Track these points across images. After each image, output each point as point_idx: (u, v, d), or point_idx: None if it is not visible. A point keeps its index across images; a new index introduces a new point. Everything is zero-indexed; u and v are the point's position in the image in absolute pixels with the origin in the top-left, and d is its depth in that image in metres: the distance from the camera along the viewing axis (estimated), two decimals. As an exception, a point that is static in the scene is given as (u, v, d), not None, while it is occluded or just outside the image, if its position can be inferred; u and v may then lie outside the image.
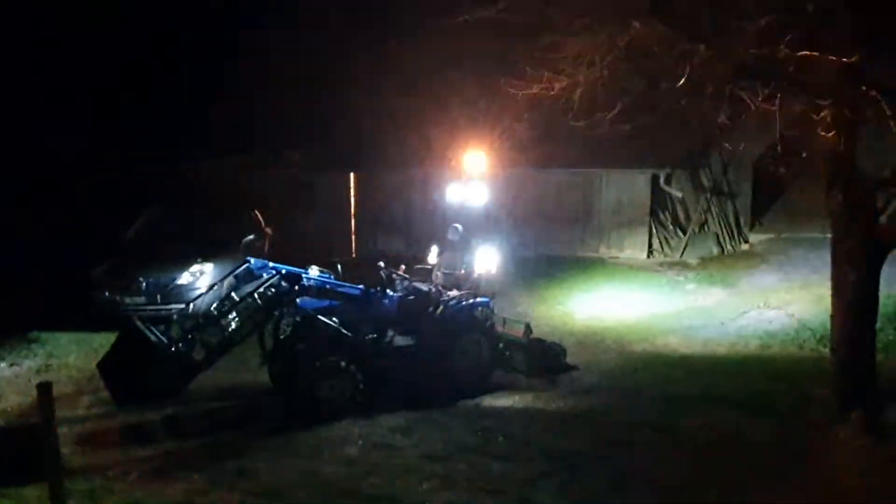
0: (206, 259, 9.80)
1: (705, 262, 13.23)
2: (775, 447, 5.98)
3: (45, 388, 4.55)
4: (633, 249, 13.64)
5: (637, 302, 11.24)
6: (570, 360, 8.37)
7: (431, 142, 13.02)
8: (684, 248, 13.65)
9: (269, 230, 11.97)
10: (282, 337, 7.06)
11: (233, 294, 6.76)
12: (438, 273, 7.92)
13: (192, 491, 5.21)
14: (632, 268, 13.01)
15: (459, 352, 7.45)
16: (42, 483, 5.22)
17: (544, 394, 7.47)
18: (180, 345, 6.23)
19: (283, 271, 6.71)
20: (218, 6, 14.12)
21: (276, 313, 6.80)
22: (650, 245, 13.65)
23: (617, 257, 13.58)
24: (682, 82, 8.34)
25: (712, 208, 13.92)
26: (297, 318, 6.95)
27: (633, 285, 12.07)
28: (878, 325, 6.56)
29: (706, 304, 11.08)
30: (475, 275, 7.80)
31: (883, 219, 6.24)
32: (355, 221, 14.63)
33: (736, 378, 7.89)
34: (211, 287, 7.22)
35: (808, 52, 6.40)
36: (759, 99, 8.11)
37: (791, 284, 11.37)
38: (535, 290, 11.77)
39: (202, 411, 6.93)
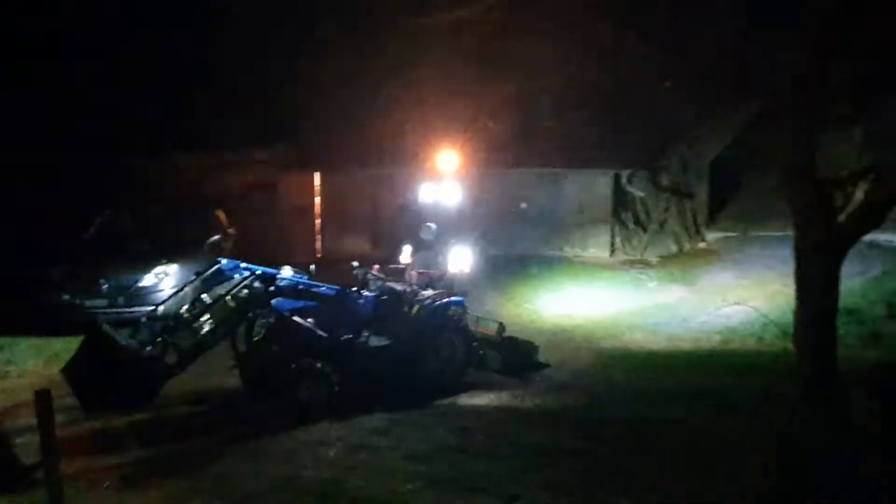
0: (170, 260, 9.56)
1: (665, 260, 13.59)
2: (743, 439, 6.18)
3: (43, 397, 4.34)
4: (597, 248, 13.90)
5: (602, 299, 11.47)
6: (541, 357, 8.48)
7: (399, 141, 12.99)
8: (645, 247, 13.99)
9: (232, 231, 11.76)
10: (255, 339, 6.93)
11: (204, 296, 6.62)
12: (412, 273, 7.90)
13: (170, 498, 5.07)
14: (595, 266, 13.26)
15: (434, 351, 7.45)
16: (10, 495, 5.04)
17: (519, 392, 7.54)
18: (150, 349, 6.05)
19: (258, 272, 6.59)
20: (183, 2, 13.77)
21: (251, 315, 6.67)
22: (613, 244, 13.94)
23: (580, 256, 13.81)
24: (648, 84, 8.59)
25: (671, 208, 14.30)
26: (272, 320, 6.84)
27: (597, 283, 12.30)
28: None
29: (668, 301, 11.39)
30: (449, 274, 7.81)
31: (842, 217, 6.53)
32: (320, 221, 14.46)
33: (702, 372, 8.14)
34: (181, 288, 7.04)
35: (771, 57, 6.67)
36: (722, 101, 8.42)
37: (748, 281, 11.79)
38: (502, 288, 11.87)
39: (172, 417, 6.76)
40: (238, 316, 6.50)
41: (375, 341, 7.27)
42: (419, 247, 8.05)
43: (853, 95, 6.93)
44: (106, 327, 6.14)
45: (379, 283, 7.61)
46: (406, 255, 8.16)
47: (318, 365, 6.65)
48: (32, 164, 12.34)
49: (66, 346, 8.62)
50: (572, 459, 5.74)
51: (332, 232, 14.43)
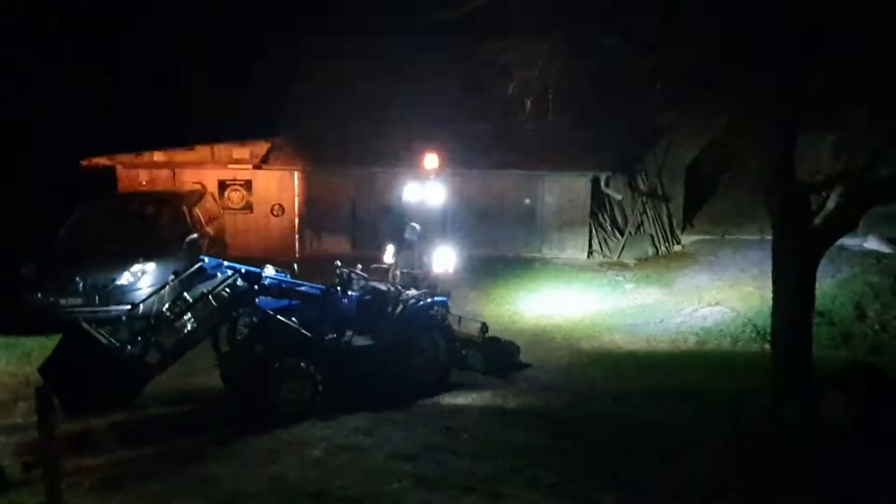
0: (147, 258, 9.38)
1: (642, 262, 13.78)
2: (721, 437, 6.31)
3: (45, 395, 4.24)
4: (574, 250, 14.04)
5: (581, 301, 11.59)
6: (523, 357, 8.53)
7: (380, 141, 12.97)
8: (622, 249, 14.18)
9: (209, 229, 11.62)
10: (239, 338, 6.85)
11: (185, 294, 6.52)
12: (396, 272, 7.89)
13: (153, 499, 5.00)
14: (573, 268, 13.38)
15: (418, 351, 7.45)
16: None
17: (501, 391, 7.59)
18: (132, 348, 5.94)
19: (243, 270, 6.51)
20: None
21: (235, 314, 6.59)
22: (590, 246, 14.09)
23: (558, 258, 13.93)
24: (628, 88, 8.72)
25: (647, 211, 14.51)
26: (255, 319, 6.76)
27: (575, 285, 12.42)
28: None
29: (645, 303, 11.55)
30: (433, 274, 7.82)
31: (818, 220, 6.72)
32: (298, 221, 14.35)
33: (679, 372, 8.28)
34: (162, 287, 6.92)
35: (750, 62, 6.82)
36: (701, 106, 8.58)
37: (722, 283, 12.01)
38: (483, 289, 11.92)
39: (151, 417, 6.65)
40: (221, 315, 6.41)
41: (359, 341, 7.24)
42: (403, 247, 8.04)
43: (825, 102, 7.11)
44: (86, 326, 6.00)
45: (362, 282, 7.58)
46: (389, 254, 8.15)
47: (302, 364, 6.60)
48: (8, 162, 12.04)
49: (38, 345, 8.43)
50: (557, 458, 5.80)
51: (311, 231, 14.33)
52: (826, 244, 6.73)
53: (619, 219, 14.40)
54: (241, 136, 14.08)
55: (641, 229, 14.46)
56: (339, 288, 7.16)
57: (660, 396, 7.33)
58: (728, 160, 12.20)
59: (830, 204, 7.12)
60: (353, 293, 7.36)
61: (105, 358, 5.64)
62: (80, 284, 9.00)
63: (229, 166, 14.21)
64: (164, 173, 13.91)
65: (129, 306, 8.25)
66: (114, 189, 13.22)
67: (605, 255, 14.05)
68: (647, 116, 10.49)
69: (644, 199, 14.48)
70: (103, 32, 13.57)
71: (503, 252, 13.69)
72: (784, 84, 6.48)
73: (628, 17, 7.37)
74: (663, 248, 14.42)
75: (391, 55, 13.72)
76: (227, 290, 6.39)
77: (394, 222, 8.28)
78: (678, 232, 14.70)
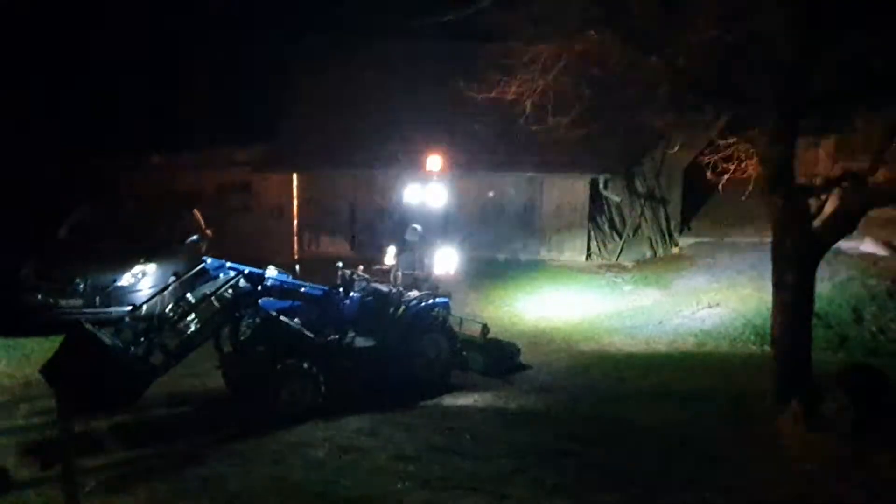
0: (147, 260, 9.38)
1: (640, 264, 13.83)
2: (722, 438, 6.35)
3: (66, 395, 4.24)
4: (573, 252, 14.09)
5: (580, 303, 11.63)
6: (523, 359, 8.56)
7: (379, 143, 12.99)
8: (620, 251, 14.23)
9: (208, 231, 11.62)
10: (241, 339, 6.85)
11: (188, 295, 6.53)
12: (398, 274, 7.91)
13: (157, 500, 4.99)
14: (572, 270, 13.43)
15: (419, 352, 7.47)
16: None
17: (503, 393, 7.61)
18: (135, 349, 5.95)
19: (246, 271, 6.52)
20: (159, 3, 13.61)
21: (237, 315, 6.60)
22: (588, 248, 14.14)
23: (557, 260, 13.98)
24: (630, 90, 8.75)
25: (646, 213, 14.57)
26: (258, 320, 6.77)
27: (574, 287, 12.47)
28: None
29: (644, 305, 11.59)
30: (434, 276, 7.85)
31: (817, 222, 6.77)
32: (297, 223, 14.36)
33: (679, 374, 8.31)
34: (164, 288, 6.93)
35: (752, 64, 6.88)
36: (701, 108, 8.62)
37: (719, 285, 12.05)
38: (482, 291, 11.95)
39: (153, 419, 6.65)
40: (224, 316, 6.42)
41: (361, 342, 7.26)
42: (404, 248, 8.06)
43: (824, 105, 7.18)
44: (89, 326, 6.01)
45: (364, 283, 7.60)
46: (391, 256, 8.17)
47: (305, 365, 6.61)
48: (6, 162, 12.02)
49: (38, 347, 8.42)
50: (560, 459, 5.83)
51: (310, 233, 14.34)
52: (826, 247, 6.77)
53: (618, 221, 14.46)
54: (240, 138, 14.09)
55: (639, 232, 14.52)
56: (340, 289, 7.18)
57: (660, 398, 7.37)
58: (727, 162, 12.29)
59: (829, 207, 7.17)
60: (355, 294, 7.38)
61: (109, 359, 5.65)
62: (81, 285, 8.99)
63: (230, 169, 14.21)
64: (164, 175, 13.90)
65: (129, 307, 8.25)
66: (114, 190, 13.20)
67: (603, 258, 14.11)
68: (646, 119, 10.51)
69: (642, 201, 14.54)
70: (102, 33, 13.55)
71: (502, 254, 13.73)
72: (783, 87, 6.52)
73: (630, 20, 7.40)
74: (661, 250, 14.49)
75: (392, 56, 13.75)
76: (230, 291, 6.41)
77: (393, 224, 8.31)
78: (676, 234, 14.77)
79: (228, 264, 6.74)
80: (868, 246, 11.93)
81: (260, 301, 6.66)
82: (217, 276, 6.68)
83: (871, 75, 6.82)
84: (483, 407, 7.18)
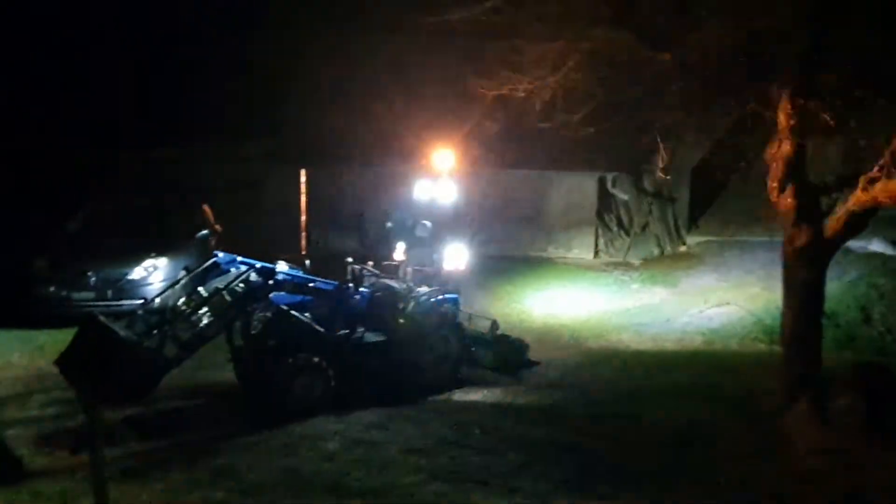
0: (159, 254, 9.46)
1: (647, 262, 13.82)
2: (731, 435, 6.38)
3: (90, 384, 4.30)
4: (580, 250, 14.08)
5: (588, 300, 11.65)
6: (532, 356, 8.58)
7: (389, 139, 13.02)
8: (628, 249, 14.22)
9: (218, 226, 11.67)
10: (253, 333, 6.90)
11: (200, 289, 6.58)
12: (407, 269, 7.95)
13: (171, 491, 5.06)
14: (579, 267, 13.44)
15: (429, 348, 7.51)
16: (5, 487, 4.98)
17: (511, 388, 7.65)
18: (148, 341, 6.00)
19: (257, 266, 6.57)
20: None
21: (249, 309, 6.65)
22: (596, 246, 14.14)
23: (565, 257, 13.98)
24: (640, 88, 8.74)
25: (653, 211, 14.56)
26: (269, 314, 6.82)
27: (582, 284, 12.48)
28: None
29: (652, 303, 11.60)
30: (444, 272, 7.88)
31: (828, 221, 6.77)
32: (306, 218, 14.40)
33: (687, 372, 8.33)
34: (175, 282, 6.99)
35: (762, 61, 6.87)
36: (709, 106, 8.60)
37: (728, 284, 12.06)
38: (490, 287, 11.96)
39: (166, 411, 6.72)
40: (235, 309, 6.47)
41: (371, 337, 7.31)
42: (414, 244, 8.10)
43: (837, 103, 7.16)
44: (102, 319, 6.07)
45: (374, 279, 7.64)
46: (400, 252, 8.21)
47: (315, 359, 6.66)
48: (15, 155, 12.11)
49: (51, 339, 8.50)
50: (569, 454, 5.87)
51: (318, 229, 14.38)
52: (836, 246, 6.78)
53: (625, 219, 14.44)
54: (249, 133, 14.14)
55: (647, 229, 14.50)
56: (351, 284, 7.22)
57: (668, 395, 7.39)
58: (735, 161, 12.27)
59: (840, 206, 7.16)
60: (365, 290, 7.42)
61: (123, 351, 5.70)
62: (93, 279, 9.07)
63: (238, 164, 14.26)
64: (174, 169, 13.95)
65: (140, 301, 8.33)
66: (124, 184, 13.27)
67: (610, 255, 14.09)
68: (655, 116, 10.51)
69: (650, 199, 14.52)
70: (112, 28, 13.63)
71: (509, 251, 13.72)
72: (795, 85, 6.52)
73: (641, 17, 7.41)
74: (669, 248, 14.46)
75: (400, 53, 13.76)
76: (242, 285, 6.45)
77: (401, 220, 8.34)
78: (684, 232, 14.75)
79: (239, 259, 6.79)
80: (877, 245, 11.90)
81: (271, 295, 6.71)
82: (228, 271, 6.72)
83: (883, 73, 6.80)
84: (492, 402, 7.23)
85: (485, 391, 7.50)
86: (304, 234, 14.47)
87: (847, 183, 6.82)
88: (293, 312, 6.73)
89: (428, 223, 7.97)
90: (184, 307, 6.35)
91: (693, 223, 15.07)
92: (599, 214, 14.12)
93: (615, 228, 14.36)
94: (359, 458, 5.69)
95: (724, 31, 7.20)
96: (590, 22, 8.18)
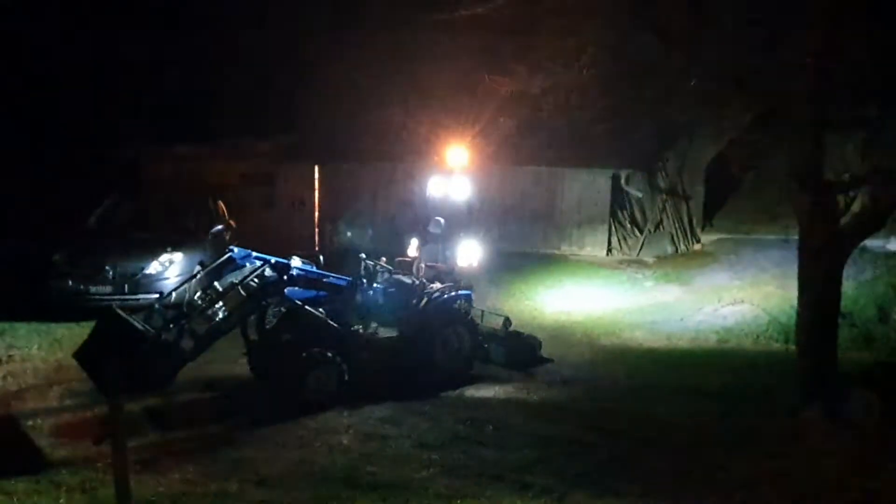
0: (174, 248, 9.56)
1: (661, 260, 13.76)
2: (745, 435, 6.35)
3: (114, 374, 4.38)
4: (594, 247, 14.05)
5: (600, 298, 11.61)
6: (544, 352, 8.59)
7: (401, 135, 13.05)
8: (641, 247, 14.16)
9: (232, 222, 11.78)
10: (267, 327, 6.97)
11: (216, 284, 6.65)
12: (420, 265, 7.98)
13: (188, 481, 5.12)
14: (592, 265, 13.39)
15: (441, 344, 7.53)
16: (27, 477, 5.07)
17: (524, 385, 7.65)
18: (165, 334, 6.08)
19: (272, 261, 6.63)
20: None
21: (264, 303, 6.71)
22: (609, 243, 14.09)
23: (578, 254, 13.95)
24: (656, 85, 8.70)
25: (667, 209, 14.49)
26: (283, 309, 6.88)
27: (595, 282, 12.44)
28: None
29: (665, 301, 11.55)
30: (457, 268, 7.90)
31: (844, 219, 6.71)
32: (319, 214, 14.48)
33: (701, 370, 8.30)
34: (192, 277, 7.06)
35: (780, 59, 6.83)
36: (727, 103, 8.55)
37: (742, 282, 11.99)
38: (502, 284, 11.97)
39: (183, 403, 6.81)
40: (251, 304, 6.53)
41: (384, 332, 7.34)
42: (427, 240, 8.12)
43: (854, 100, 7.11)
44: (121, 312, 6.15)
45: (387, 275, 7.67)
46: (413, 248, 8.23)
47: (329, 354, 6.71)
48: (35, 151, 12.28)
49: (68, 332, 8.63)
50: (581, 450, 5.88)
51: (332, 225, 14.45)
52: (853, 245, 6.73)
53: (639, 216, 14.38)
54: (264, 130, 14.23)
55: (661, 227, 14.44)
56: (364, 280, 7.26)
57: (681, 393, 7.37)
58: (750, 159, 12.18)
59: (857, 205, 7.10)
60: (379, 285, 7.46)
61: (142, 343, 5.78)
62: (110, 273, 9.19)
63: (252, 160, 14.37)
64: (190, 166, 14.09)
65: (156, 295, 8.45)
66: (141, 180, 13.42)
67: (624, 253, 14.04)
68: (670, 114, 10.45)
69: (664, 197, 14.46)
70: (131, 27, 13.78)
71: (522, 248, 13.72)
72: (812, 82, 6.47)
73: (658, 13, 7.38)
74: (683, 246, 14.41)
75: (415, 49, 13.78)
76: (257, 280, 6.51)
77: (414, 216, 8.37)
78: (698, 230, 14.68)
79: (254, 254, 6.85)
80: (895, 244, 11.78)
81: (285, 290, 6.76)
82: (244, 266, 6.79)
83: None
84: (504, 398, 7.24)
85: (497, 387, 7.51)
86: (317, 230, 14.56)
87: (864, 181, 6.77)
88: (307, 307, 6.78)
89: (441, 219, 7.98)
90: (199, 301, 6.43)
91: (707, 221, 15.00)
92: (613, 212, 14.06)
93: (629, 226, 14.31)
94: (372, 451, 5.74)
95: (741, 28, 7.17)
96: (606, 18, 8.17)
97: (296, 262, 7.07)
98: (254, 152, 14.45)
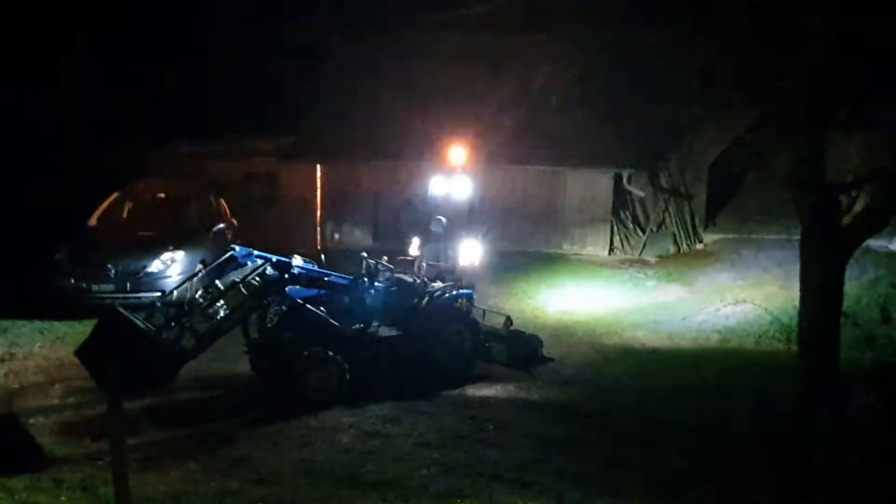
0: (176, 247, 9.58)
1: (663, 260, 13.74)
2: (746, 435, 6.33)
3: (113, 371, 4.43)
4: (595, 247, 14.03)
5: (602, 297, 11.60)
6: (546, 352, 8.57)
7: (406, 135, 13.05)
8: (643, 247, 14.14)
9: (234, 220, 11.79)
10: (268, 326, 6.97)
11: (217, 282, 6.66)
12: (422, 264, 7.97)
13: (189, 479, 5.14)
14: (594, 264, 13.38)
15: (443, 343, 7.52)
16: (28, 474, 5.08)
17: (525, 384, 7.64)
18: (167, 332, 6.09)
19: (273, 260, 6.64)
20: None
21: (265, 302, 6.72)
22: (611, 243, 14.07)
23: (579, 254, 13.94)
24: (658, 83, 8.69)
25: (670, 208, 14.46)
26: (284, 307, 6.88)
27: (597, 281, 12.43)
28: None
29: (667, 300, 11.53)
30: (459, 267, 7.90)
31: (847, 219, 6.69)
32: (321, 213, 14.48)
33: (702, 370, 8.28)
34: (193, 275, 7.07)
35: (781, 58, 6.80)
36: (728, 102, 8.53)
37: (745, 282, 11.96)
38: (504, 283, 11.96)
39: (184, 401, 6.82)
40: (252, 302, 6.54)
41: (385, 331, 7.34)
42: (429, 239, 8.12)
43: (856, 100, 7.07)
44: (122, 310, 6.17)
45: (388, 273, 7.67)
46: (415, 247, 8.23)
47: (330, 353, 6.71)
48: (38, 151, 12.31)
49: (71, 330, 8.66)
50: (582, 450, 5.87)
51: (333, 224, 14.47)
52: (855, 245, 6.69)
53: (641, 216, 14.36)
54: (266, 129, 14.23)
55: (663, 227, 14.41)
56: (365, 279, 7.26)
57: (683, 393, 7.35)
58: (753, 158, 12.14)
59: (859, 204, 7.08)
60: (380, 284, 7.45)
61: (143, 341, 5.79)
62: (112, 271, 9.21)
63: (254, 159, 14.38)
64: (192, 164, 14.10)
65: (158, 293, 8.46)
66: (143, 179, 13.42)
67: (626, 252, 14.02)
68: (672, 113, 10.44)
69: (666, 196, 14.43)
70: (134, 23, 13.80)
71: (524, 247, 13.72)
72: (815, 81, 6.44)
73: (659, 12, 7.36)
74: (685, 245, 14.36)
75: (416, 49, 13.78)
76: (258, 278, 6.53)
77: (415, 215, 8.37)
78: (700, 230, 14.64)
79: (256, 253, 6.86)
80: (898, 244, 11.75)
81: (287, 289, 6.77)
82: (245, 264, 6.80)
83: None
84: (505, 398, 7.23)
85: (498, 386, 7.51)
86: (319, 229, 14.56)
87: (866, 180, 6.74)
88: (308, 306, 6.79)
89: (443, 218, 7.98)
90: (201, 300, 6.44)
91: (710, 220, 14.95)
92: (615, 211, 14.05)
93: (631, 225, 14.29)
94: (373, 450, 5.74)
95: (743, 27, 7.14)
96: (606, 18, 8.17)
97: (297, 260, 7.08)
98: (256, 151, 14.46)
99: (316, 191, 14.49)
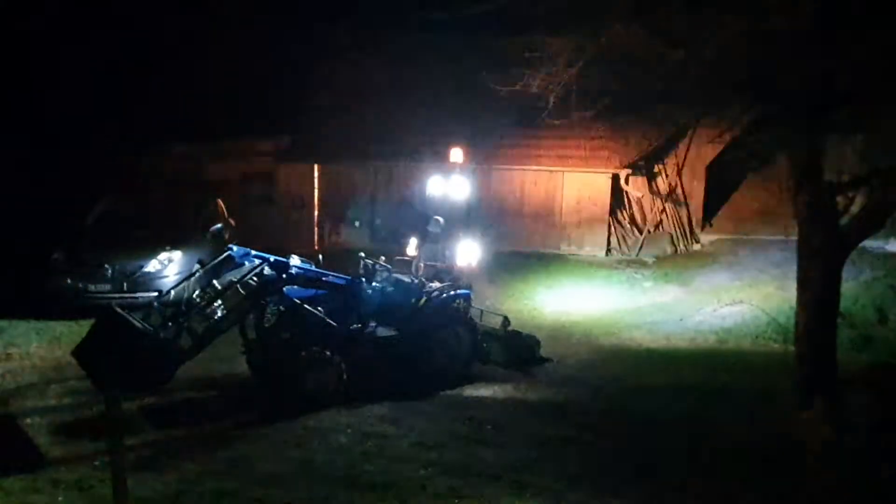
0: (173, 247, 9.56)
1: (660, 260, 13.76)
2: (745, 434, 6.35)
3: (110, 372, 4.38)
4: (593, 247, 14.06)
5: (600, 298, 11.62)
6: (543, 352, 8.58)
7: (404, 136, 13.05)
8: (640, 247, 14.17)
9: (232, 220, 11.76)
10: (266, 326, 6.96)
11: (214, 282, 6.64)
12: (420, 265, 7.97)
13: (187, 480, 5.12)
14: (591, 265, 13.40)
15: (440, 343, 7.52)
16: (25, 475, 5.06)
17: (523, 384, 7.65)
18: (164, 333, 6.07)
19: (271, 260, 6.63)
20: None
21: (262, 302, 6.71)
22: (609, 243, 14.10)
23: (577, 254, 13.96)
24: (655, 85, 8.68)
25: (667, 209, 14.49)
26: (282, 308, 6.87)
27: (594, 282, 12.45)
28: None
29: (664, 301, 11.55)
30: (456, 267, 7.90)
31: (844, 220, 6.70)
32: (318, 214, 14.48)
33: (699, 370, 8.30)
34: (191, 275, 7.05)
35: (778, 60, 6.81)
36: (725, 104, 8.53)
37: (742, 283, 11.98)
38: (502, 284, 11.98)
39: (181, 401, 6.80)
40: (249, 302, 6.52)
41: (382, 331, 7.34)
42: (426, 239, 8.12)
43: (853, 102, 7.08)
44: (119, 310, 6.15)
45: (386, 273, 7.67)
46: (412, 247, 8.23)
47: (328, 353, 6.70)
48: (35, 151, 12.28)
49: (67, 330, 8.63)
50: (579, 450, 5.88)
51: (330, 224, 14.47)
52: (852, 245, 6.71)
53: (638, 217, 14.39)
54: (264, 129, 14.22)
55: (660, 227, 14.44)
56: (363, 279, 7.26)
57: (680, 393, 7.36)
58: (750, 159, 12.17)
59: (856, 205, 7.09)
60: (378, 284, 7.45)
61: (140, 341, 5.78)
62: (109, 271, 9.19)
63: (252, 159, 14.36)
64: (190, 165, 14.08)
65: (155, 293, 8.42)
66: (140, 179, 13.41)
67: (623, 253, 14.06)
68: (669, 114, 10.45)
69: (663, 197, 14.46)
70: (130, 25, 13.77)
71: (522, 247, 13.73)
72: (812, 82, 6.46)
73: (656, 13, 7.36)
74: (682, 246, 14.40)
75: (414, 50, 13.79)
76: (255, 278, 6.51)
77: (413, 215, 8.36)
78: (697, 231, 14.67)
79: (253, 253, 6.85)
80: (894, 245, 11.78)
81: (284, 289, 6.76)
82: (242, 264, 6.79)
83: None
84: (503, 398, 7.23)
85: (496, 387, 7.51)
86: (317, 229, 14.56)
87: (863, 182, 6.76)
88: (306, 306, 6.78)
89: (440, 219, 7.99)
90: (198, 300, 6.42)
91: (707, 221, 14.98)
92: (612, 212, 14.08)
93: (628, 226, 14.32)
94: (370, 450, 5.73)
95: (739, 28, 7.15)
96: (604, 17, 8.14)
97: (295, 260, 7.07)
98: (254, 151, 14.45)
99: (313, 191, 14.49)
